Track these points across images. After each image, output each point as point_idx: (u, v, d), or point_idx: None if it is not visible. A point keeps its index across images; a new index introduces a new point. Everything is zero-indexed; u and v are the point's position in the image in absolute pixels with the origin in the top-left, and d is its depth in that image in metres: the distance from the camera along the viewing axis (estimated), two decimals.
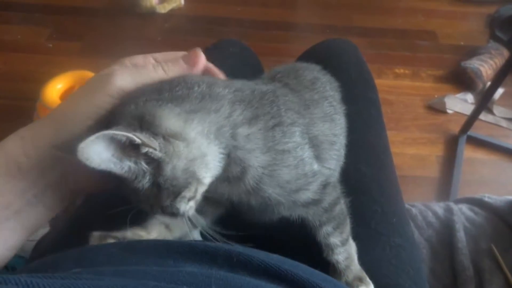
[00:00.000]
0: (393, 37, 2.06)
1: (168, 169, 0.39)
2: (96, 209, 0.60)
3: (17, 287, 0.28)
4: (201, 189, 0.42)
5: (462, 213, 0.85)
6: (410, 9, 2.22)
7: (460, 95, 1.76)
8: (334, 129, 0.53)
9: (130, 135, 0.36)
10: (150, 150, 0.38)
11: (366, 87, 0.74)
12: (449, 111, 1.70)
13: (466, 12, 2.21)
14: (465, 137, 1.57)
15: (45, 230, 0.76)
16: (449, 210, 0.85)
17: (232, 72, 0.53)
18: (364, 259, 0.51)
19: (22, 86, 1.65)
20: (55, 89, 1.41)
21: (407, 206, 0.89)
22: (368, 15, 2.17)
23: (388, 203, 0.59)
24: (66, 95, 1.44)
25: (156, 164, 0.39)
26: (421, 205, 0.88)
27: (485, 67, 1.75)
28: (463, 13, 2.21)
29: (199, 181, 0.41)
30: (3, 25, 1.98)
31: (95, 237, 0.46)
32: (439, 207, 0.87)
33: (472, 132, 1.57)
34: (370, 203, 0.57)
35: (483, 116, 1.62)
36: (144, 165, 0.39)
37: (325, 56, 0.77)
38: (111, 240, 0.46)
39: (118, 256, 0.40)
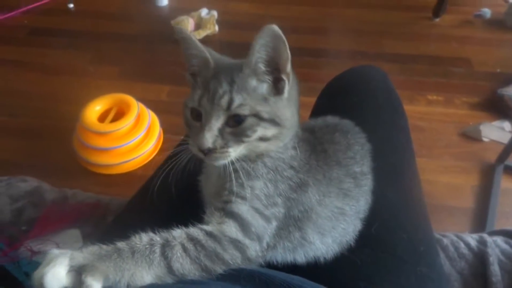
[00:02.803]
0: (425, 63, 2.04)
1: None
2: (126, 227, 0.62)
3: None
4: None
5: (497, 246, 0.81)
6: (444, 36, 2.20)
7: (497, 123, 1.71)
8: (344, 204, 0.55)
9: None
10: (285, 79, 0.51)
11: (394, 113, 0.74)
12: (485, 139, 1.65)
13: (502, 39, 2.17)
14: (502, 166, 1.51)
15: (79, 244, 0.79)
16: (482, 242, 0.82)
17: None
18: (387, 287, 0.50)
19: (64, 107, 1.74)
20: (94, 110, 1.48)
21: (438, 236, 0.87)
22: (399, 41, 2.17)
23: (415, 231, 0.57)
24: (104, 117, 1.51)
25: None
26: (453, 236, 0.85)
27: None
28: (498, 40, 2.16)
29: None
30: (48, 50, 2.11)
31: None
32: (472, 239, 0.84)
33: (509, 161, 1.51)
34: (396, 230, 0.56)
35: None
36: (267, 79, 0.51)
37: (353, 82, 0.78)
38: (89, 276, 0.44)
39: None
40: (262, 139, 0.50)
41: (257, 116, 0.49)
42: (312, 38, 2.22)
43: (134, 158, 1.48)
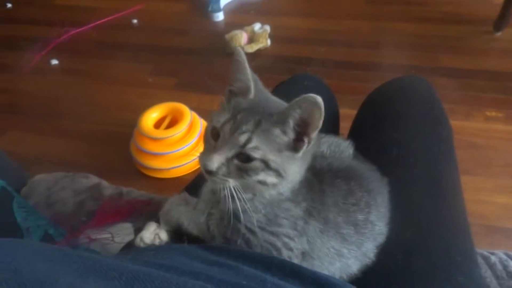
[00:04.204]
0: (484, 78, 1.95)
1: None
2: None
3: None
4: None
5: None
6: (505, 51, 2.10)
7: None
8: (341, 247, 0.56)
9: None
10: (306, 142, 0.52)
11: (437, 124, 0.72)
12: None
13: None
14: None
15: (130, 237, 0.86)
16: None
17: None
18: None
19: (123, 114, 1.87)
20: (151, 117, 1.58)
21: (485, 253, 0.84)
22: (457, 55, 2.10)
23: (453, 241, 0.57)
24: (159, 124, 1.60)
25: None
26: (502, 254, 0.82)
27: None
28: None
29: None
30: (112, 62, 2.27)
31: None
32: None
33: None
34: (432, 238, 0.56)
35: None
36: (290, 134, 0.52)
37: (395, 92, 0.78)
38: (162, 230, 0.57)
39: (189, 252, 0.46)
40: (261, 182, 0.52)
41: (265, 163, 0.51)
42: (364, 52, 2.21)
43: (185, 164, 1.55)
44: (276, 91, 0.62)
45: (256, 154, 0.51)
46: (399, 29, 2.35)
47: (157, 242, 0.55)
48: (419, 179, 0.58)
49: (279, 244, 0.51)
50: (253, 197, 0.54)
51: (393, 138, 0.68)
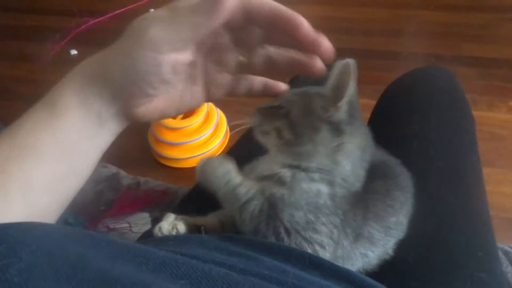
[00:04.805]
0: (508, 68, 1.89)
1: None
2: (195, 207, 0.67)
3: None
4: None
5: None
6: None
7: None
8: (368, 250, 0.53)
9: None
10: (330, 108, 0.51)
11: (459, 115, 0.70)
12: None
13: None
14: None
15: (147, 227, 0.87)
16: None
17: None
18: None
19: None
20: None
21: (507, 248, 0.82)
22: (480, 44, 2.04)
23: (474, 236, 0.55)
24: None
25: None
26: None
27: None
28: None
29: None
30: None
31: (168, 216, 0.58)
32: None
33: None
34: (452, 233, 0.55)
35: None
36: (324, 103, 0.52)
37: (416, 82, 0.76)
38: (179, 222, 0.56)
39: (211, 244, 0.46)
40: (278, 133, 0.52)
41: (286, 111, 0.52)
42: (384, 41, 2.16)
43: (201, 154, 1.56)
44: (293, 82, 0.62)
45: (285, 103, 0.53)
46: (420, 17, 2.29)
47: (174, 232, 0.57)
48: (440, 171, 0.57)
49: (309, 250, 0.49)
50: (291, 177, 0.51)
51: (413, 129, 0.66)
